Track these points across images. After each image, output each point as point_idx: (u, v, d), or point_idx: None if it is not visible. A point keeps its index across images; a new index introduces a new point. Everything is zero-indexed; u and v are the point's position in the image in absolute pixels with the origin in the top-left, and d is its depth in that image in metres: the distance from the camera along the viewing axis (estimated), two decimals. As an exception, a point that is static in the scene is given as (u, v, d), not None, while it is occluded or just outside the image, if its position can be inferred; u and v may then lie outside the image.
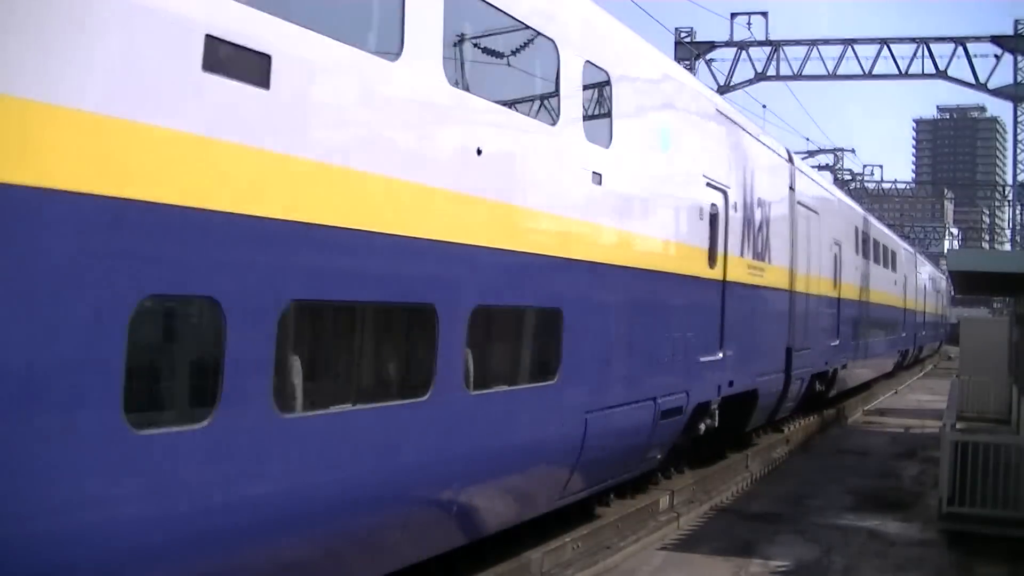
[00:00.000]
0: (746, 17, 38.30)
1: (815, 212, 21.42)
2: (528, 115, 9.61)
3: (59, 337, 5.00)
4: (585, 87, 10.26)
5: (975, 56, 37.59)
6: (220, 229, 5.82)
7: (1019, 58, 38.00)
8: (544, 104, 9.87)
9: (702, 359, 13.76)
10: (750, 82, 39.58)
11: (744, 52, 39.07)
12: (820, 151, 37.23)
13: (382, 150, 7.23)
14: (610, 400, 10.99)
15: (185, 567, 5.94)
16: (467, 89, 8.41)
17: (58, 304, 5.01)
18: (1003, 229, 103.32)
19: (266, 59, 6.11)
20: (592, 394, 10.59)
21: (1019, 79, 38.64)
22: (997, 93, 39.22)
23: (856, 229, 27.46)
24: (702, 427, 14.58)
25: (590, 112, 10.53)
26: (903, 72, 38.71)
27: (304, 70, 6.49)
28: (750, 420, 17.41)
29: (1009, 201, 66.41)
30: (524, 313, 9.54)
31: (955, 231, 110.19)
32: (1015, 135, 43.58)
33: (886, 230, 38.39)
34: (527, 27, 9.25)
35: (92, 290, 5.15)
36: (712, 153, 14.20)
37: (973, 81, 38.14)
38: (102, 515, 5.32)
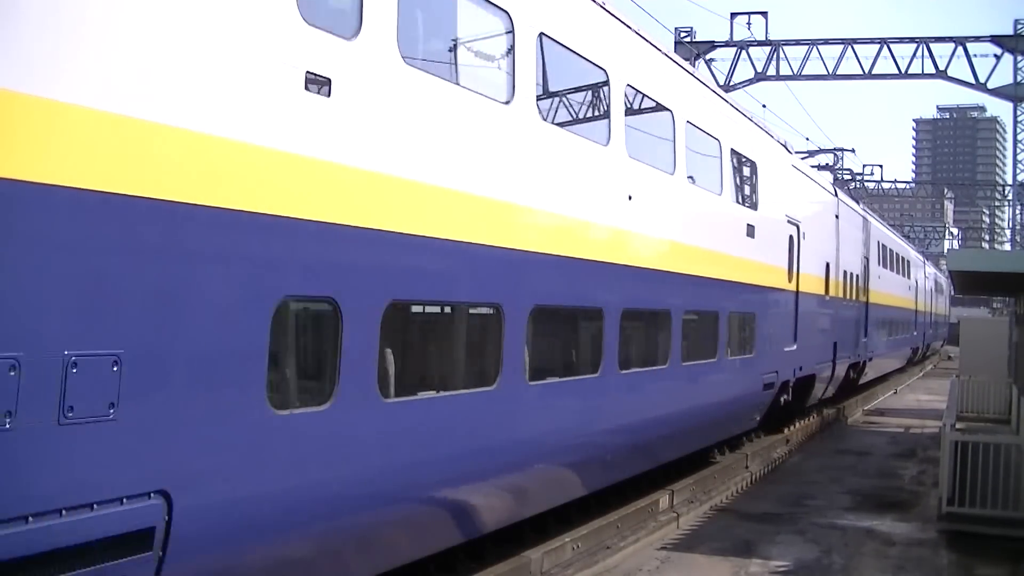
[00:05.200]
0: (746, 17, 38.20)
1: (851, 233, 26.55)
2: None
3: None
4: (747, 175, 16.55)
5: (975, 56, 37.66)
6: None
7: (1019, 58, 37.99)
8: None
9: (785, 349, 18.66)
10: (750, 82, 39.56)
11: (744, 52, 39.05)
12: (820, 151, 37.07)
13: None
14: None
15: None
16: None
17: None
18: (1003, 229, 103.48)
19: None
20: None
21: (1019, 79, 38.63)
22: (997, 93, 39.22)
23: (878, 243, 32.17)
24: (783, 400, 19.30)
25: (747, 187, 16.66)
26: (903, 72, 38.71)
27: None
28: (809, 398, 22.13)
29: (1009, 201, 66.45)
30: (741, 314, 16.01)
31: (955, 231, 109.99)
32: (1015, 135, 43.60)
33: (898, 238, 40.32)
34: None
35: None
36: (790, 197, 19.28)
37: (973, 81, 38.12)
38: None
